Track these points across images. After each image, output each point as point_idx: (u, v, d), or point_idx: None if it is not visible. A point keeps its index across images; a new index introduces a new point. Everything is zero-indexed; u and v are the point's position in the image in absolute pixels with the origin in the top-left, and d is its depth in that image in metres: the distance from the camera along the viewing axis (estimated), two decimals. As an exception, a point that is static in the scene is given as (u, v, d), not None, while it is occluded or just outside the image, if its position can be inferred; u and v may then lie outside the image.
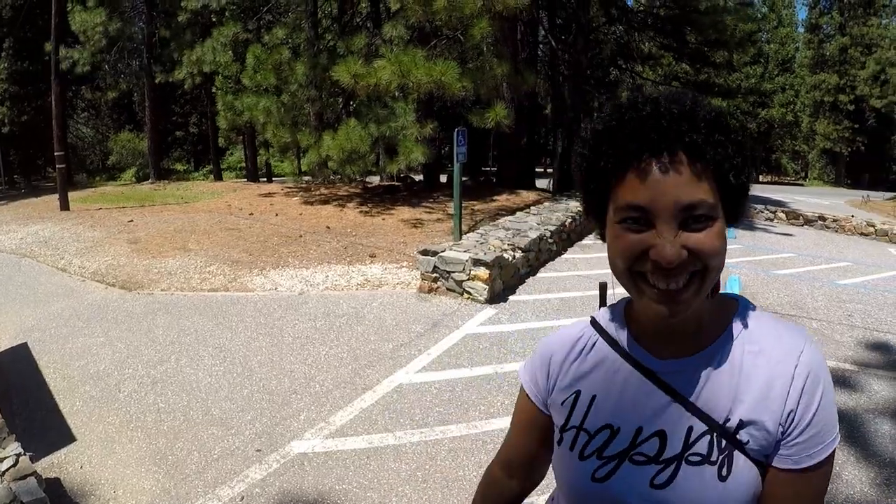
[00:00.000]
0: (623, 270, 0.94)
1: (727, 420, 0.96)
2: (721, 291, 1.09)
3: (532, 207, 12.42)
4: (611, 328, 1.12)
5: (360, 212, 14.36)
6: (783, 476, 0.94)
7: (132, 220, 13.77)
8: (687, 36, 20.04)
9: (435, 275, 7.83)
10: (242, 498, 3.69)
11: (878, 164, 42.97)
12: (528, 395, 1.21)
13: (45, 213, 15.78)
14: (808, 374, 0.94)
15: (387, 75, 11.17)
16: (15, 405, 5.13)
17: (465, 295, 7.57)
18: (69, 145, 32.69)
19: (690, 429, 0.97)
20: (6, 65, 27.51)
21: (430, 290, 7.85)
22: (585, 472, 1.05)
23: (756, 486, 0.95)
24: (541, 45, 22.41)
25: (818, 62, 42.34)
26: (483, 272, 7.42)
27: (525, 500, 1.30)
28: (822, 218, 16.32)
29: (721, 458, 0.94)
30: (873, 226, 15.08)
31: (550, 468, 1.21)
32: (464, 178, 9.80)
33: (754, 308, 1.07)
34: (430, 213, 14.11)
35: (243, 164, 34.85)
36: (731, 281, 8.51)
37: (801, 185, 43.64)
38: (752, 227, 15.02)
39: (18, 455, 3.14)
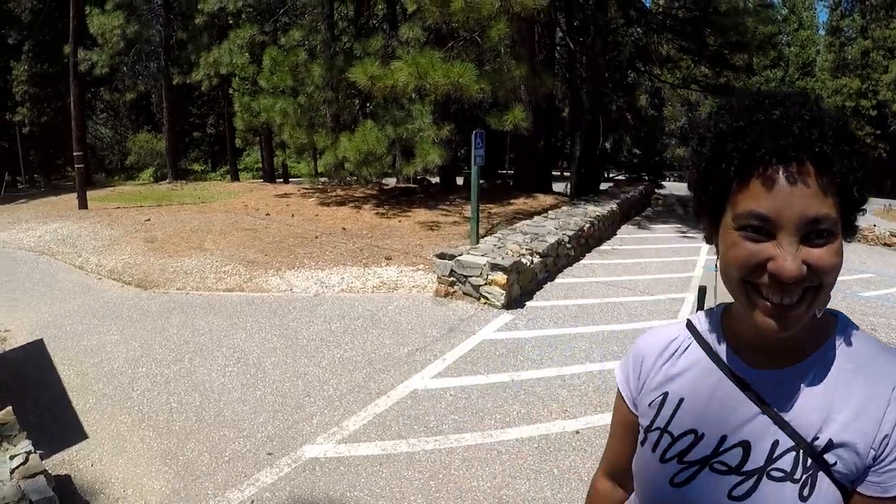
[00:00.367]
0: (736, 280, 0.90)
1: (816, 438, 0.92)
2: None
3: (550, 211, 12.32)
4: (706, 333, 1.10)
5: (377, 213, 14.35)
6: (869, 503, 0.90)
7: (149, 220, 13.84)
8: (706, 38, 19.86)
9: (452, 279, 7.76)
10: (252, 502, 3.64)
11: (901, 172, 42.30)
12: (622, 396, 1.21)
13: (63, 211, 15.92)
14: None
15: (404, 77, 11.15)
16: (29, 401, 5.13)
17: (482, 300, 7.49)
18: (88, 145, 33.21)
19: (776, 443, 0.95)
20: (26, 67, 28.02)
21: (446, 295, 7.78)
22: (664, 475, 1.04)
23: None
24: (558, 48, 22.34)
25: (839, 66, 41.59)
26: (500, 277, 7.34)
27: None
28: (843, 227, 15.89)
29: (805, 477, 0.91)
30: (896, 236, 14.78)
31: None
32: (481, 181, 9.74)
33: (855, 326, 1.02)
34: (446, 215, 14.06)
35: (260, 165, 35.05)
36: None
37: (822, 192, 42.84)
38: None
39: (29, 453, 3.12)
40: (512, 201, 15.92)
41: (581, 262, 10.06)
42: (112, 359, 6.01)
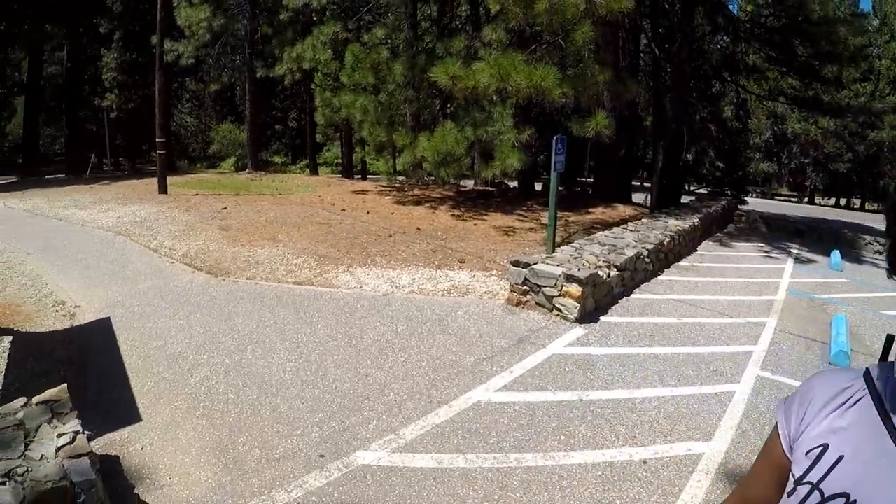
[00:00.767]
0: None
1: None
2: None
3: (629, 223, 11.97)
4: (882, 389, 1.00)
5: (453, 215, 14.30)
6: None
7: (226, 208, 14.23)
8: (796, 48, 19.02)
9: (525, 287, 7.59)
10: (298, 505, 3.56)
11: None
12: (779, 436, 1.13)
13: (144, 194, 16.62)
14: None
15: (485, 78, 11.09)
16: (89, 377, 5.27)
17: (555, 311, 7.28)
18: (173, 133, 35.03)
19: None
20: (115, 55, 30.02)
21: (518, 303, 7.59)
22: None
23: None
24: (642, 54, 21.97)
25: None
26: (575, 289, 7.11)
27: None
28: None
29: None
30: None
31: None
32: (559, 188, 9.53)
33: None
34: (523, 221, 13.90)
35: (339, 161, 35.83)
36: (837, 320, 7.72)
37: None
38: (859, 260, 13.81)
39: (76, 433, 3.11)
40: (590, 210, 15.70)
41: (659, 277, 9.70)
42: (175, 343, 6.11)
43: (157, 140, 17.33)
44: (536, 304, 7.48)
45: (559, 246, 9.48)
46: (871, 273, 12.55)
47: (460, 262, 9.79)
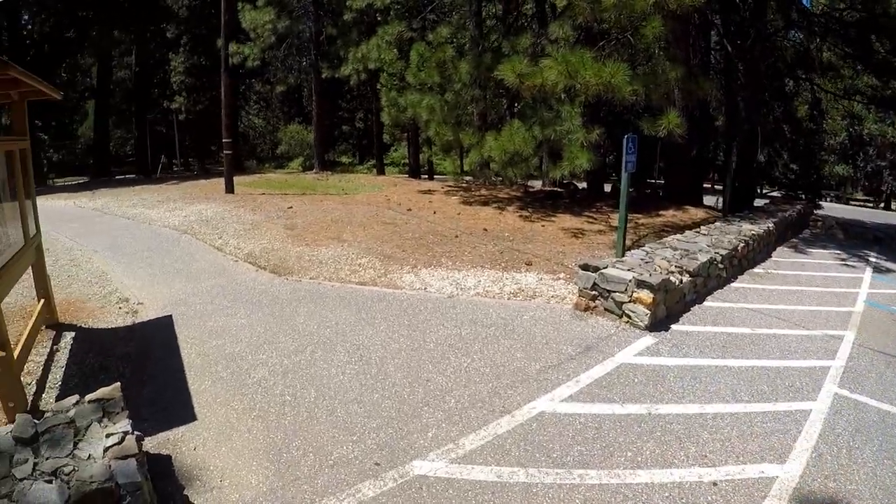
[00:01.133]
0: None
1: None
2: None
3: (702, 227, 11.57)
4: None
5: (520, 216, 14.12)
6: None
7: (292, 207, 14.42)
8: (873, 44, 18.08)
9: (594, 292, 7.36)
10: (351, 515, 3.45)
11: None
12: None
13: (211, 194, 17.05)
14: None
15: (553, 75, 10.90)
16: (148, 374, 5.32)
17: (624, 318, 7.02)
18: (241, 134, 36.19)
19: None
20: (183, 59, 31.47)
21: (586, 309, 7.36)
22: None
23: None
24: (713, 51, 21.37)
25: None
26: (646, 295, 6.84)
27: None
28: None
29: None
30: None
31: None
32: (629, 189, 9.27)
33: None
34: (591, 223, 13.62)
35: (405, 161, 36.17)
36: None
37: None
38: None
39: (126, 433, 3.11)
40: (660, 212, 15.36)
41: (732, 284, 9.28)
42: (235, 342, 6.14)
43: (223, 140, 17.79)
44: (605, 309, 7.25)
45: (629, 249, 9.24)
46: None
47: (527, 265, 9.59)
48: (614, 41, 12.74)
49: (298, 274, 8.89)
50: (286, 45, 25.53)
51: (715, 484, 3.97)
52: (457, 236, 11.52)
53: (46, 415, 3.22)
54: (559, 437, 4.47)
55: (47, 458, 2.91)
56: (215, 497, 3.65)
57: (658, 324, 6.99)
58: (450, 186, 19.68)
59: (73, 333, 6.30)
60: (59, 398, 4.75)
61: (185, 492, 3.61)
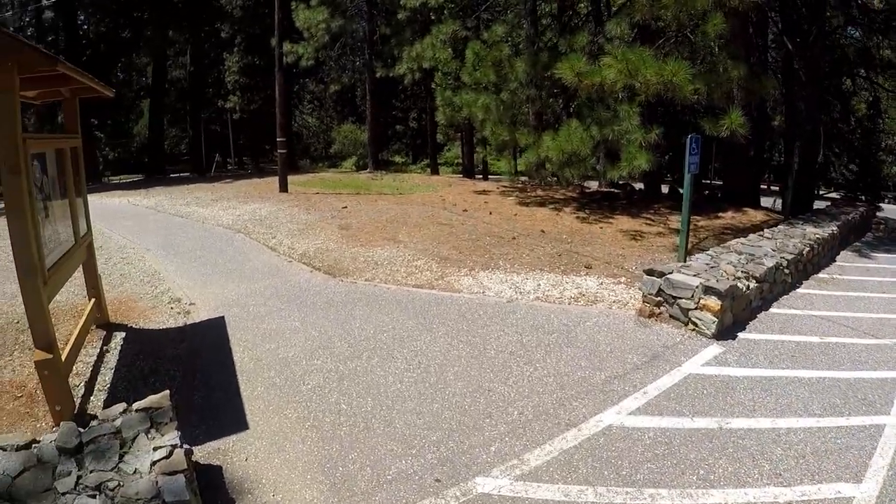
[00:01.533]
0: None
1: None
2: None
3: (766, 230, 11.09)
4: None
5: (577, 217, 13.81)
6: None
7: (346, 207, 14.37)
8: None
9: (658, 298, 7.06)
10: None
11: None
12: None
13: (265, 193, 17.15)
14: None
15: (612, 74, 10.69)
16: (198, 379, 5.21)
17: (690, 326, 6.72)
18: (295, 133, 36.63)
19: None
20: (237, 59, 32.03)
21: (650, 315, 7.05)
22: None
23: None
24: (771, 49, 20.88)
25: None
26: (714, 302, 6.53)
27: None
28: None
29: None
30: None
31: None
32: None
33: None
34: (650, 225, 13.25)
35: (460, 161, 36.04)
36: None
37: None
38: None
39: (174, 447, 2.94)
40: (720, 214, 14.86)
41: (797, 290, 8.78)
42: (289, 346, 6.00)
43: (277, 140, 17.92)
44: (670, 316, 6.93)
45: (690, 253, 8.92)
46: None
47: (587, 268, 9.27)
48: (673, 39, 12.48)
49: (353, 275, 8.75)
50: (340, 45, 25.69)
51: None
52: (514, 238, 11.26)
53: (92, 424, 3.09)
54: (628, 453, 4.20)
55: (91, 472, 2.77)
56: (267, 513, 3.47)
57: (725, 332, 6.65)
58: (505, 187, 19.45)
59: (123, 334, 6.26)
60: (107, 402, 4.67)
61: (236, 506, 3.45)
